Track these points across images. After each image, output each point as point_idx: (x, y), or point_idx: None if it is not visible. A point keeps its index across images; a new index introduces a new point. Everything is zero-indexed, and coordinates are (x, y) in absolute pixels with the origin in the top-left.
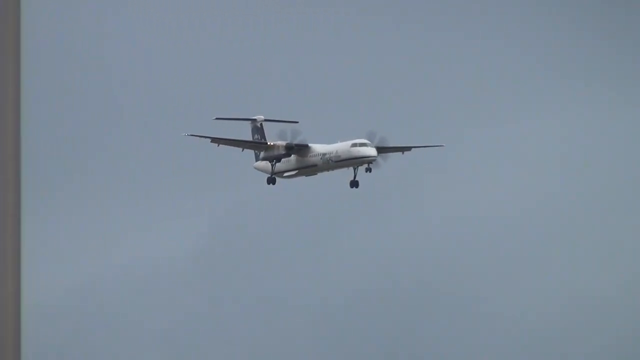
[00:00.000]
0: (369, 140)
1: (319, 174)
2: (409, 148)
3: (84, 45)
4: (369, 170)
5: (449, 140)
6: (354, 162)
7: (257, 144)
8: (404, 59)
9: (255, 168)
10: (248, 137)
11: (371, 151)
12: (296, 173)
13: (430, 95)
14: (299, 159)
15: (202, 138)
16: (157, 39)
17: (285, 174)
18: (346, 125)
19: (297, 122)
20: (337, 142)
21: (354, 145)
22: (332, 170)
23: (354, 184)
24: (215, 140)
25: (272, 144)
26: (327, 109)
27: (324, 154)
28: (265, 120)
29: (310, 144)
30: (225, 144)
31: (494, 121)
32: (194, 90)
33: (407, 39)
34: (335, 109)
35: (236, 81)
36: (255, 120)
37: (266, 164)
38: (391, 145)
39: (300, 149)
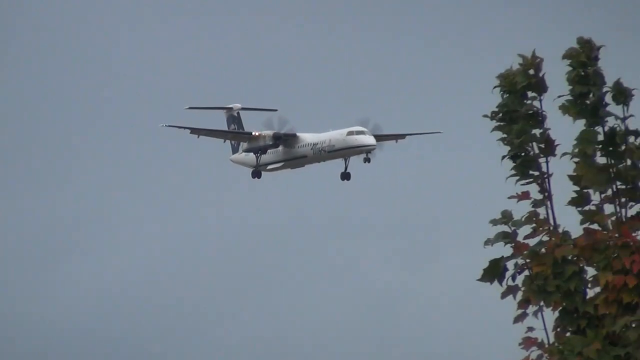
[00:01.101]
0: (364, 127)
1: (306, 166)
2: (403, 136)
3: (50, 34)
4: (367, 160)
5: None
6: (351, 151)
7: (241, 135)
8: (390, 46)
9: (233, 161)
10: (223, 127)
11: (369, 139)
12: (282, 165)
13: (418, 82)
14: (286, 150)
15: (181, 129)
16: (124, 25)
17: (270, 167)
18: (329, 113)
19: (275, 110)
20: (328, 131)
21: (350, 133)
22: (324, 161)
23: (346, 175)
24: (195, 131)
25: (257, 133)
26: (306, 97)
27: (315, 144)
28: (243, 108)
29: (298, 133)
30: (206, 135)
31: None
32: (163, 78)
33: (392, 25)
34: (315, 97)
35: (207, 69)
36: (231, 109)
37: (246, 156)
38: (384, 133)
39: (288, 139)
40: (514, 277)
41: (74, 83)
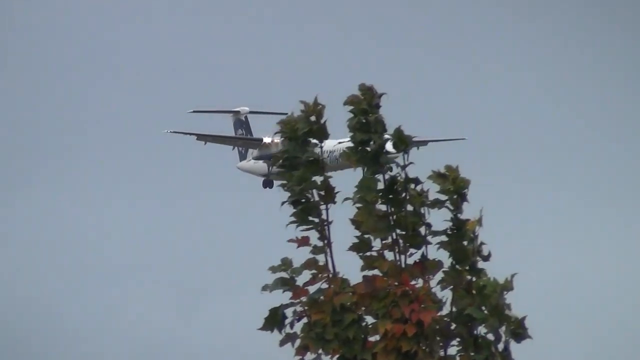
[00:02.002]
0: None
1: None
2: (425, 142)
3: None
4: (389, 169)
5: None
6: None
7: (251, 141)
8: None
9: (240, 169)
10: (229, 132)
11: (391, 147)
12: None
13: (439, 84)
14: None
15: (186, 135)
16: (124, 23)
17: None
18: (344, 117)
19: (286, 114)
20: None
21: None
22: (341, 169)
23: None
24: (201, 137)
25: (268, 140)
26: (319, 100)
27: (332, 152)
28: (251, 112)
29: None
30: (214, 142)
31: None
32: (164, 80)
33: (410, 25)
34: (329, 100)
35: (212, 69)
36: (238, 112)
37: (255, 164)
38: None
39: None
40: (292, 325)
41: (70, 84)
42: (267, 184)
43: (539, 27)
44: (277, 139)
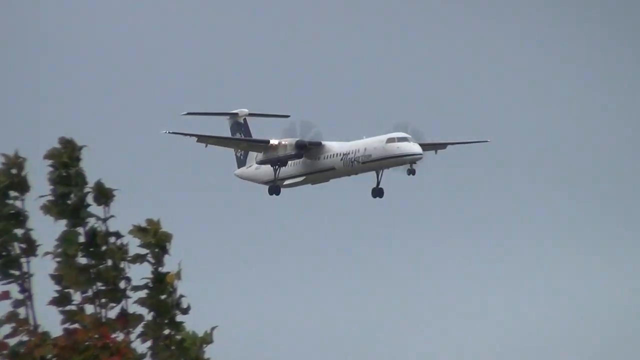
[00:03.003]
0: (408, 134)
1: (331, 181)
2: (444, 145)
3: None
4: (412, 172)
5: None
6: (392, 162)
7: (257, 143)
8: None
9: (238, 176)
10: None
11: (415, 148)
12: (303, 180)
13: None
14: (308, 162)
15: (186, 136)
16: (118, 24)
17: (287, 182)
18: (348, 118)
19: (288, 116)
20: (352, 140)
21: (391, 140)
22: (355, 174)
23: (378, 192)
24: (202, 139)
25: (276, 142)
26: (322, 101)
27: (346, 154)
28: (250, 114)
29: (323, 142)
30: (216, 144)
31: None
32: (156, 80)
33: (418, 20)
34: (331, 101)
35: (207, 68)
36: (236, 114)
37: (257, 170)
38: (423, 141)
39: (312, 148)
40: None
41: (64, 86)
42: (274, 190)
43: (561, 28)
44: (285, 141)
